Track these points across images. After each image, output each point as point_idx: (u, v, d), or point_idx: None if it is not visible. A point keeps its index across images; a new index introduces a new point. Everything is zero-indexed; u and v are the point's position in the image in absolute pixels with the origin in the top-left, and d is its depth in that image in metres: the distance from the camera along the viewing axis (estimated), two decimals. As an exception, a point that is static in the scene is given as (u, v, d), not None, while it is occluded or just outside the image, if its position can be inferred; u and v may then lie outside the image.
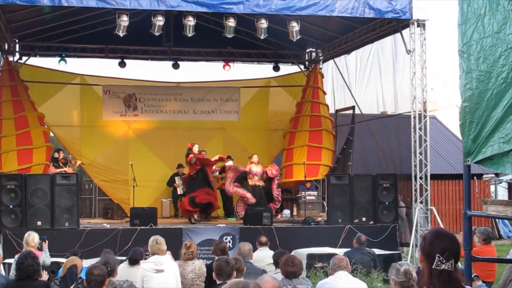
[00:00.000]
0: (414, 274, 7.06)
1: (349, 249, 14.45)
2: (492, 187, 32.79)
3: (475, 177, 29.55)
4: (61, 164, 20.17)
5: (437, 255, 4.54)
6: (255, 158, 20.75)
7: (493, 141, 5.51)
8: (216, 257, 8.90)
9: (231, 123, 24.92)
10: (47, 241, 13.20)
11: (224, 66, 24.71)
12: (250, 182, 20.59)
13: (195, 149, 20.08)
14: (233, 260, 8.20)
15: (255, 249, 12.83)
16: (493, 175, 31.41)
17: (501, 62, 5.43)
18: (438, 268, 4.54)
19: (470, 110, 5.78)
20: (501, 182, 33.68)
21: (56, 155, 20.58)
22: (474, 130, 5.73)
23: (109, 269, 8.71)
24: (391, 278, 7.18)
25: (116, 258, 10.00)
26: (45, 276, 10.11)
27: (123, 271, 10.09)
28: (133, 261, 10.81)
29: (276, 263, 10.37)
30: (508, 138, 5.35)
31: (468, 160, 5.91)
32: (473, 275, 10.64)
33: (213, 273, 7.75)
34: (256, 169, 20.62)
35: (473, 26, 5.75)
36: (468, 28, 5.82)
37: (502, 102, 5.39)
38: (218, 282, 7.64)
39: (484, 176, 31.16)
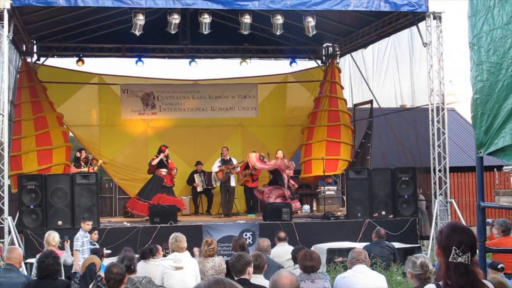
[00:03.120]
0: (431, 267, 7.08)
1: (368, 243, 14.45)
2: (513, 179, 32.61)
3: (495, 169, 29.42)
4: (82, 164, 20.25)
5: (454, 247, 4.56)
6: (279, 153, 20.54)
7: (505, 132, 5.51)
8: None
9: (249, 119, 24.97)
10: (69, 241, 13.31)
11: (241, 62, 24.77)
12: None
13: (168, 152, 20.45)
14: (249, 256, 8.23)
15: (274, 244, 12.88)
16: (514, 166, 31.27)
17: (511, 53, 5.42)
18: (454, 261, 4.56)
19: (481, 102, 5.78)
20: (521, 174, 33.46)
21: (77, 154, 20.64)
22: (486, 121, 5.73)
23: (130, 266, 8.79)
24: (408, 271, 7.20)
25: (135, 255, 10.08)
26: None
27: (140, 267, 10.17)
28: (143, 257, 11.01)
29: (294, 259, 10.40)
30: (520, 129, 5.37)
31: (481, 152, 5.91)
32: (499, 266, 10.64)
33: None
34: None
35: (483, 18, 5.75)
36: (478, 20, 5.81)
37: (513, 93, 5.42)
38: (235, 278, 7.68)
39: (504, 167, 30.98)
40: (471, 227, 4.89)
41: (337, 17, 21.25)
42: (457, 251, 4.55)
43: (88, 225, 14.29)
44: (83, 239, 13.93)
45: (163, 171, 20.44)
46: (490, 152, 5.78)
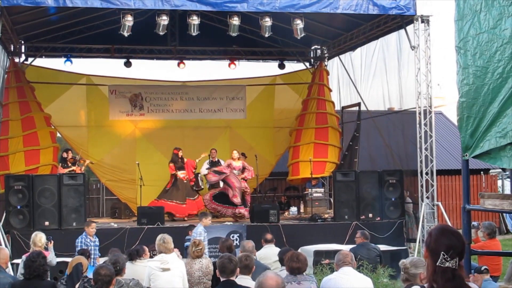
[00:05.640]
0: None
1: (355, 245, 14.47)
2: (500, 182, 32.71)
3: (481, 172, 29.52)
4: (69, 164, 20.19)
5: (442, 252, 4.53)
6: (235, 154, 20.27)
7: (490, 135, 5.54)
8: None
9: (237, 121, 24.97)
10: (52, 241, 13.27)
11: (229, 65, 24.69)
12: None
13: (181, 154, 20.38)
14: (240, 257, 8.24)
15: (261, 246, 12.90)
16: (500, 169, 31.32)
17: (497, 57, 5.47)
18: (442, 265, 4.53)
19: (467, 105, 5.82)
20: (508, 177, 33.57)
21: (64, 155, 20.59)
22: (472, 125, 5.77)
23: (117, 268, 8.76)
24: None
25: (124, 257, 10.06)
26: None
27: (127, 269, 10.15)
28: (130, 258, 11.00)
29: (281, 261, 10.40)
30: (505, 133, 5.38)
31: (466, 155, 5.95)
32: (482, 268, 10.69)
33: (217, 270, 7.78)
34: (236, 164, 20.15)
35: (470, 22, 5.79)
36: (465, 24, 5.85)
37: (498, 97, 5.43)
38: (221, 279, 7.68)
39: (491, 171, 31.09)
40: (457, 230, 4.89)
41: (325, 20, 21.27)
42: (445, 256, 4.51)
43: (209, 220, 14.95)
44: (205, 233, 14.31)
45: (181, 173, 20.40)
46: (476, 155, 5.81)
